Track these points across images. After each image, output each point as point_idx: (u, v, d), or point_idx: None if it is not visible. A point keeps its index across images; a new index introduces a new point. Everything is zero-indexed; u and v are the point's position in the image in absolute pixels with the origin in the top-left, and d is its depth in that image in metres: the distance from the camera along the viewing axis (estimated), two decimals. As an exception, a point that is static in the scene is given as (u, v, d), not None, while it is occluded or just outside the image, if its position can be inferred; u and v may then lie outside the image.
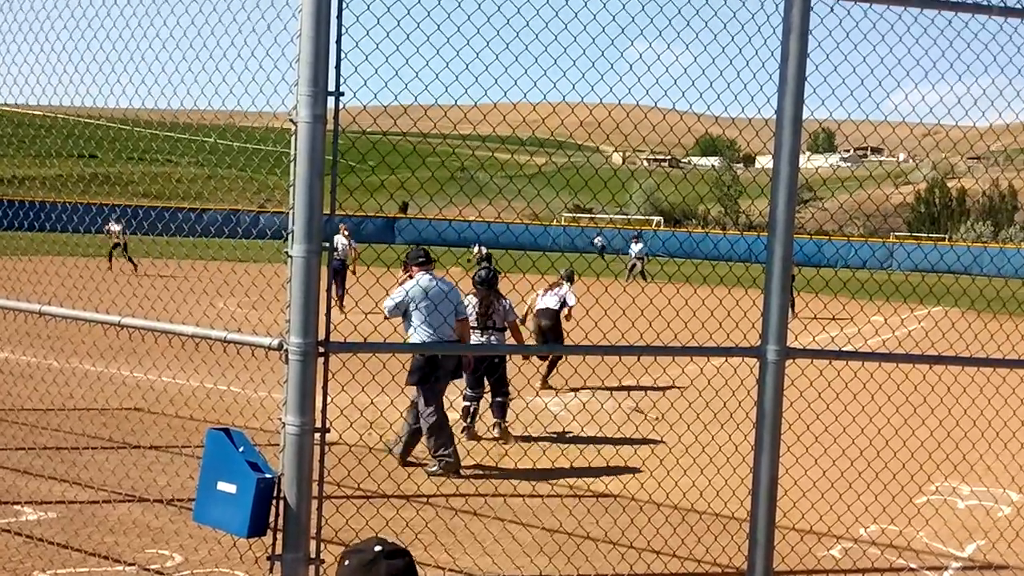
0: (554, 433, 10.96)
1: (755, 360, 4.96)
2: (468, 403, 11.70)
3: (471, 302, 11.61)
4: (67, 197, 67.91)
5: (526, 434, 10.93)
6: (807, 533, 8.22)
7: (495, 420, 11.50)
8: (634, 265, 40.93)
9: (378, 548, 2.61)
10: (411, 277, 10.49)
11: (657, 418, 8.88)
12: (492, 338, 11.59)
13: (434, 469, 9.91)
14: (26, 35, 6.21)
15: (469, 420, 11.67)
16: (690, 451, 7.89)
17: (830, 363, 5.71)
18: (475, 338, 11.35)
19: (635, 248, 41.91)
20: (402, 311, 10.25)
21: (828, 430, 8.11)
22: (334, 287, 26.47)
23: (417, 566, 2.66)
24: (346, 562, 2.59)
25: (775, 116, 4.79)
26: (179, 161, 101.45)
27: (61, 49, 5.95)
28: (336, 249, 26.82)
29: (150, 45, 5.45)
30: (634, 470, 8.28)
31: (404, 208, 73.71)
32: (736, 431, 8.16)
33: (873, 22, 5.10)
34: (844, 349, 6.02)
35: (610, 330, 6.43)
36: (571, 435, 10.90)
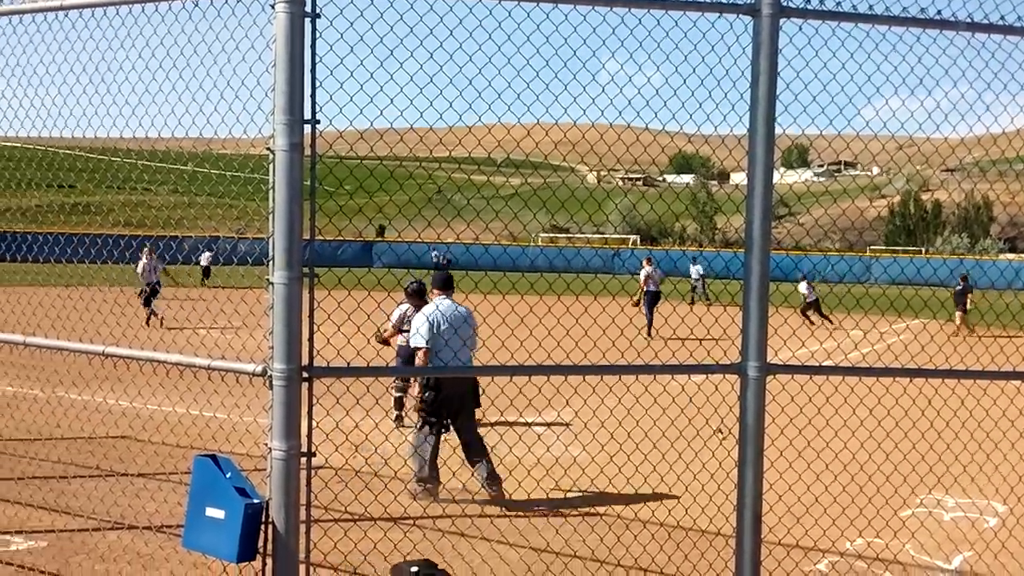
0: (538, 454, 11.00)
1: (736, 376, 5.01)
2: (398, 394, 13.47)
3: (409, 310, 12.60)
4: (47, 227, 67.74)
5: (510, 455, 10.96)
6: (793, 548, 8.26)
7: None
8: (695, 287, 42.12)
9: (415, 569, 2.66)
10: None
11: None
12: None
13: (416, 490, 9.95)
14: (2, 68, 6.25)
15: (399, 409, 13.43)
16: (674, 468, 7.94)
17: (811, 378, 5.77)
18: (403, 341, 12.55)
19: (694, 270, 42.72)
20: (431, 338, 10.11)
21: (811, 444, 8.18)
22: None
23: None
24: None
25: (747, 134, 4.87)
26: (157, 190, 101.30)
27: (39, 82, 6.00)
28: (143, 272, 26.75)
29: (126, 77, 5.49)
30: (618, 488, 8.32)
31: (381, 232, 73.73)
32: (719, 447, 8.21)
33: (842, 40, 5.20)
34: (824, 364, 6.08)
35: (591, 349, 6.49)
36: (556, 455, 10.95)
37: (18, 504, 9.43)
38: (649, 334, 26.33)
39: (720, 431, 8.76)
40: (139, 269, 26.79)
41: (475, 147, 5.74)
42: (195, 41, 4.87)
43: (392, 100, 4.57)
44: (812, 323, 27.84)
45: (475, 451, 10.15)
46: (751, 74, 4.85)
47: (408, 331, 12.14)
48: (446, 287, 10.67)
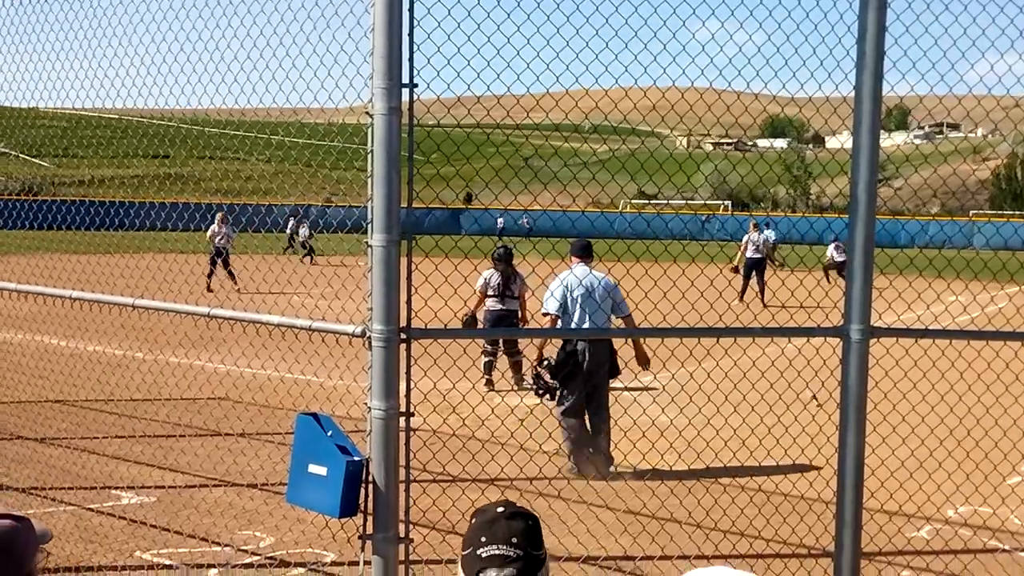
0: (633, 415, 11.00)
1: (838, 340, 4.93)
2: (487, 358, 13.97)
3: (494, 276, 13.72)
4: (145, 196, 69.48)
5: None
6: (895, 514, 8.14)
7: (515, 377, 13.96)
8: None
9: (500, 509, 2.67)
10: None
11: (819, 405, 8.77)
12: (508, 303, 13.84)
13: (570, 467, 10.02)
14: (100, 40, 6.39)
15: (488, 373, 13.92)
16: (773, 432, 7.86)
17: (915, 342, 5.65)
18: (494, 304, 13.76)
19: (765, 235, 42.29)
20: (564, 305, 10.05)
21: (915, 409, 8.01)
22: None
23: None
24: (473, 520, 2.67)
25: (853, 93, 4.75)
26: (248, 158, 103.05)
27: (134, 53, 6.13)
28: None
29: (227, 45, 5.58)
30: (716, 451, 8.28)
31: (468, 200, 73.76)
32: (819, 412, 8.10)
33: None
34: (930, 328, 5.95)
35: (671, 314, 6.44)
36: (651, 417, 10.93)
37: (126, 461, 9.78)
38: (742, 300, 26.07)
39: (815, 399, 8.64)
40: (209, 234, 27.54)
41: (572, 110, 5.71)
42: (295, 7, 4.93)
43: (489, 63, 4.56)
44: (829, 281, 27.62)
45: (597, 424, 10.14)
46: (858, 29, 4.72)
47: (492, 295, 13.84)
48: (584, 254, 10.47)
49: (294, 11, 4.97)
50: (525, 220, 59.27)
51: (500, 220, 61.68)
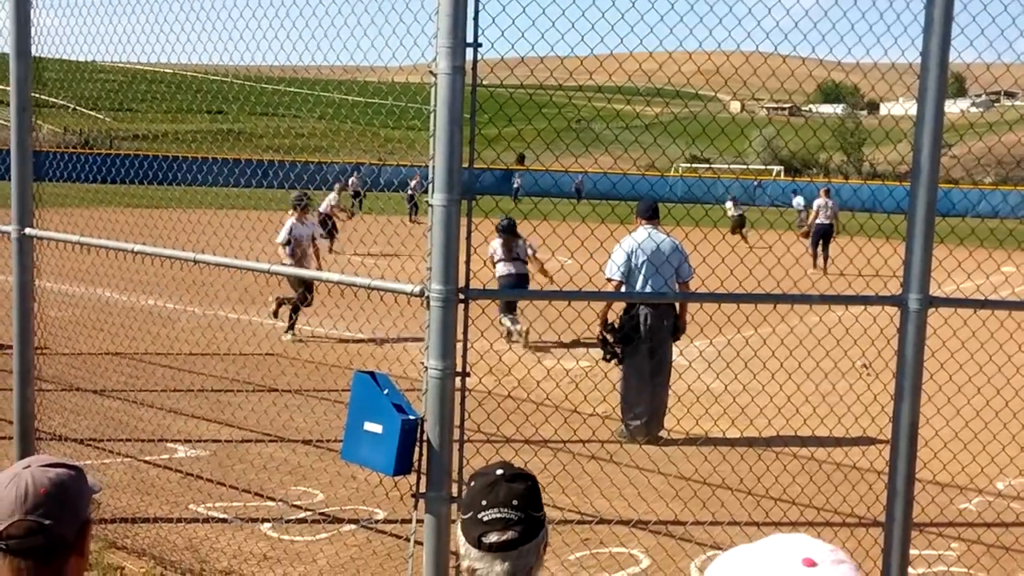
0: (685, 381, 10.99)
1: (896, 309, 4.88)
2: (508, 323, 14.48)
3: (499, 245, 14.43)
4: (201, 152, 70.02)
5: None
6: (947, 485, 8.07)
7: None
8: (800, 217, 41.02)
9: (500, 471, 2.68)
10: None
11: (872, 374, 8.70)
12: (517, 267, 14.58)
13: (621, 431, 10.04)
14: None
15: (509, 336, 14.37)
16: (827, 400, 7.81)
17: (974, 312, 5.58)
18: (503, 267, 14.53)
19: (796, 201, 41.99)
20: (627, 271, 10.00)
21: (972, 380, 7.92)
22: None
23: (548, 506, 2.72)
24: (472, 483, 2.69)
25: (915, 58, 4.67)
26: (301, 115, 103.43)
27: (190, 8, 6.16)
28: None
29: (283, 1, 5.59)
30: (769, 418, 8.25)
31: (521, 160, 73.50)
32: (875, 381, 8.03)
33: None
34: (989, 298, 5.88)
35: (729, 279, 6.41)
36: (705, 383, 10.92)
37: (183, 415, 9.94)
38: (816, 266, 25.90)
39: (865, 367, 8.56)
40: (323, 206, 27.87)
41: (616, 71, 5.67)
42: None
43: (554, 23, 4.53)
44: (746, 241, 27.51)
45: (656, 388, 10.09)
46: (925, -6, 4.63)
47: (501, 260, 14.55)
48: (651, 215, 10.36)
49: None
50: (579, 182, 58.90)
51: (517, 180, 61.60)
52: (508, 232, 14.52)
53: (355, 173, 43.66)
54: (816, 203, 27.34)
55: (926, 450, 6.10)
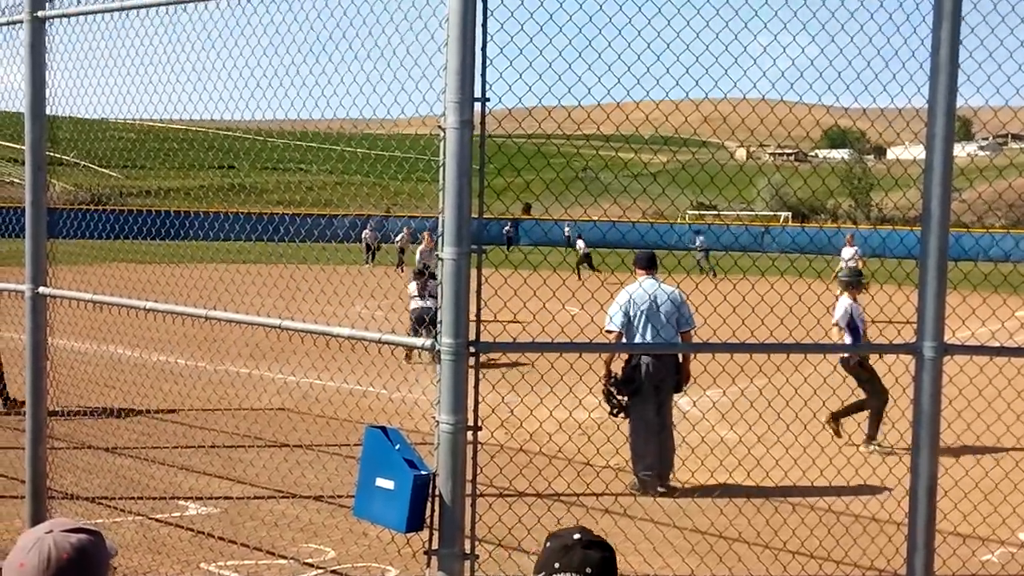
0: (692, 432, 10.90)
1: (910, 357, 4.84)
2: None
3: (413, 285, 18.26)
4: (210, 207, 70.44)
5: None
6: (969, 536, 7.96)
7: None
8: (699, 260, 42.75)
9: (577, 536, 2.65)
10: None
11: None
12: (431, 300, 16.25)
13: (634, 484, 9.95)
14: (167, 53, 6.47)
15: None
16: (843, 451, 7.74)
17: (991, 359, 5.53)
18: (417, 302, 17.83)
19: (699, 241, 44.10)
20: (625, 322, 10.03)
21: (990, 429, 7.84)
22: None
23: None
24: (548, 543, 2.65)
25: (920, 103, 4.67)
26: (309, 169, 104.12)
27: (202, 68, 6.19)
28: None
29: (291, 59, 5.63)
30: (785, 470, 8.17)
31: (527, 209, 73.81)
32: (891, 430, 7.96)
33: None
34: (1006, 345, 5.83)
35: (738, 328, 6.37)
36: (719, 434, 10.83)
37: (194, 472, 9.89)
38: None
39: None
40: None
41: (623, 123, 5.69)
42: (369, 23, 4.95)
43: (560, 76, 4.55)
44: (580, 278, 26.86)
45: (662, 439, 10.00)
46: (931, 43, 4.64)
47: (414, 296, 18.11)
48: (650, 265, 10.37)
49: (363, 16, 4.99)
50: (567, 231, 58.89)
51: (508, 228, 62.13)
52: (420, 276, 18.32)
53: (369, 224, 43.89)
54: (845, 252, 26.77)
55: (946, 500, 6.02)
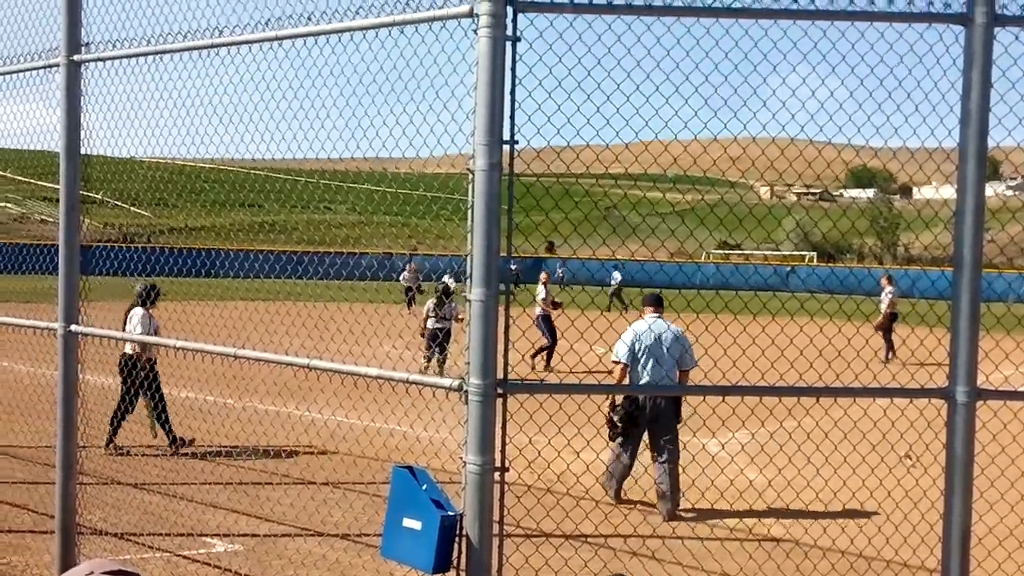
0: (714, 474, 10.82)
1: (943, 402, 4.79)
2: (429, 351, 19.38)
3: (432, 302, 20.09)
4: (237, 245, 70.97)
5: (702, 477, 10.80)
6: (1003, 583, 7.82)
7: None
8: (613, 295, 43.86)
9: None
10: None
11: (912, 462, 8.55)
12: (442, 322, 19.53)
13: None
14: (199, 95, 6.55)
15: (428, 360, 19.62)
16: (875, 495, 7.65)
17: (1024, 404, 5.48)
18: (432, 323, 19.72)
19: (615, 277, 44.90)
20: (631, 358, 10.43)
21: (1024, 475, 7.74)
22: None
23: None
24: None
25: (958, 149, 4.66)
26: (336, 208, 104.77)
27: (233, 109, 6.25)
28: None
29: (322, 101, 5.68)
30: (808, 514, 8.09)
31: (551, 247, 73.79)
32: (924, 475, 7.87)
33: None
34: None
35: (767, 370, 6.33)
36: (749, 478, 10.74)
37: (221, 509, 9.89)
38: (888, 358, 24.93)
39: (908, 457, 8.40)
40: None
41: (651, 165, 5.70)
42: (399, 67, 5.00)
43: (588, 120, 4.58)
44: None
45: (663, 466, 10.17)
46: (962, 86, 4.63)
47: (431, 316, 19.85)
48: (656, 304, 10.87)
49: (395, 63, 5.04)
50: (560, 271, 58.54)
51: (515, 266, 61.98)
52: (443, 293, 19.91)
53: (411, 263, 43.45)
54: (887, 293, 26.05)
55: (979, 548, 5.94)
